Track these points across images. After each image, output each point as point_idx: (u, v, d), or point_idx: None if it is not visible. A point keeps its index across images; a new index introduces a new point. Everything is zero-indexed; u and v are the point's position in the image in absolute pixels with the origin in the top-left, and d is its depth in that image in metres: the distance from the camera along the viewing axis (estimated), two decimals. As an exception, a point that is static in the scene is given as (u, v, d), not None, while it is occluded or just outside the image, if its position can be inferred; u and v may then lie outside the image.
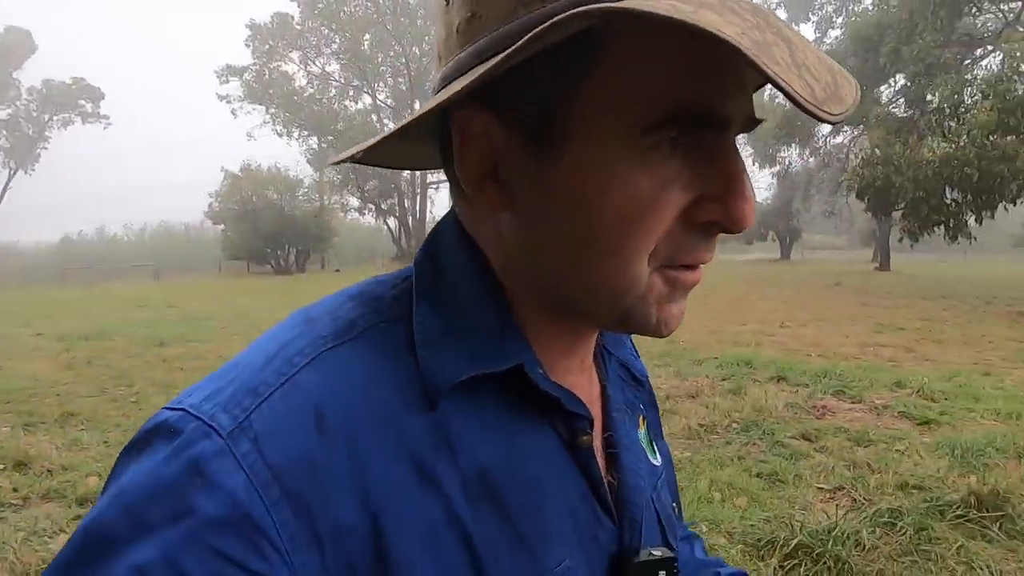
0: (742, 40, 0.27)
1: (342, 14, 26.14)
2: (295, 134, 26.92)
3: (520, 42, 0.30)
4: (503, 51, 0.32)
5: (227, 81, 25.94)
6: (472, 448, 0.38)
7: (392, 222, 29.63)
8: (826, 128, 20.27)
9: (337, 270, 30.64)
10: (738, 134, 0.38)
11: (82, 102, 36.20)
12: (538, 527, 0.39)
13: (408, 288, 0.42)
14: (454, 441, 0.37)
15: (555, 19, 0.29)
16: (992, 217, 10.08)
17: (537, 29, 0.30)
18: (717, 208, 0.36)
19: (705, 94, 0.34)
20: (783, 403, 4.40)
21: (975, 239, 10.52)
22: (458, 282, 0.41)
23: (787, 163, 26.80)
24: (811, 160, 25.59)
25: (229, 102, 25.84)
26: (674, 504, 0.56)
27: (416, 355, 0.38)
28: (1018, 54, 9.74)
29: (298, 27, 25.99)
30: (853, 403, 4.52)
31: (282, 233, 28.71)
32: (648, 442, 0.54)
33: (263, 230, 27.95)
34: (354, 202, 29.51)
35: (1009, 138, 9.17)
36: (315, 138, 26.55)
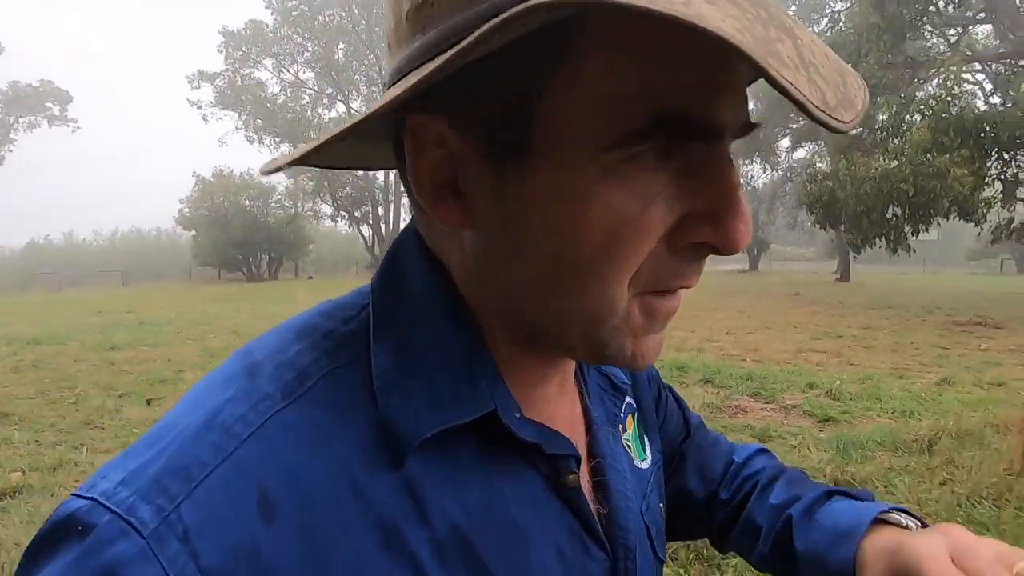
0: (743, 38, 0.23)
1: (316, 22, 26.26)
2: (267, 141, 26.85)
3: (463, 43, 0.26)
4: (451, 47, 0.27)
5: (198, 86, 25.85)
6: (444, 505, 0.34)
7: (366, 230, 29.62)
8: (786, 143, 20.91)
9: (310, 277, 30.50)
10: (732, 141, 0.33)
11: (49, 105, 35.58)
12: (526, 560, 0.36)
13: (365, 320, 0.37)
14: (424, 499, 0.33)
15: (507, 14, 0.24)
16: (927, 231, 10.57)
17: (484, 27, 0.25)
18: (708, 228, 0.32)
19: (693, 98, 0.29)
20: (701, 403, 4.65)
21: (914, 251, 11.00)
22: (421, 310, 0.36)
23: (750, 177, 27.52)
24: (774, 174, 26.32)
25: (200, 107, 25.73)
26: (661, 505, 0.52)
27: (376, 404, 0.34)
28: (952, 77, 10.33)
29: (272, 35, 26.02)
30: (766, 403, 4.79)
31: (254, 240, 28.53)
32: (637, 440, 0.51)
33: (235, 236, 27.76)
34: (327, 209, 29.45)
35: (943, 156, 9.67)
36: (287, 145, 26.49)
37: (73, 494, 0.29)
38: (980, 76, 14.32)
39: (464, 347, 0.36)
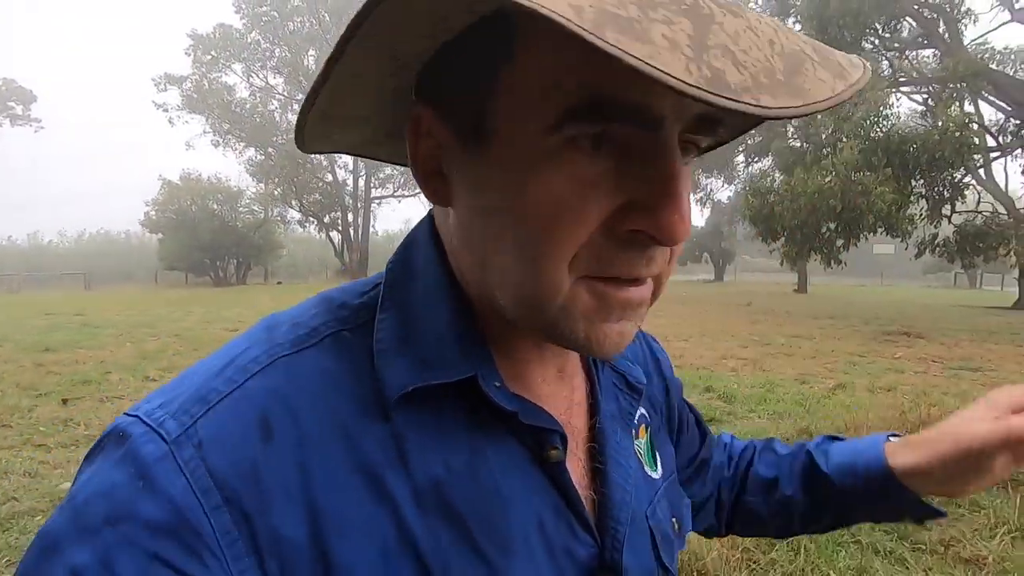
0: (583, 17, 0.24)
1: (286, 28, 26.29)
2: (233, 144, 26.72)
3: (331, 59, 0.31)
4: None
5: (165, 89, 25.64)
6: (426, 459, 0.37)
7: (336, 236, 29.59)
8: (742, 157, 21.48)
9: (279, 282, 30.27)
10: (690, 134, 0.33)
11: (12, 104, 34.88)
12: (499, 541, 0.38)
13: (377, 294, 0.41)
14: (408, 452, 0.36)
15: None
16: (856, 246, 11.05)
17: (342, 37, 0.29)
18: (644, 217, 0.32)
19: (623, 84, 0.30)
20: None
21: (845, 264, 11.47)
22: (424, 285, 0.41)
23: (709, 190, 28.17)
24: (731, 188, 27.01)
25: (166, 110, 25.53)
26: (673, 519, 0.52)
27: (375, 363, 0.38)
28: (878, 100, 10.86)
29: (240, 39, 25.97)
30: (663, 405, 5.05)
31: (222, 244, 28.30)
32: (649, 452, 0.51)
33: (202, 240, 27.51)
34: (295, 215, 29.38)
35: (869, 175, 10.16)
36: (253, 149, 26.42)
37: (124, 413, 0.36)
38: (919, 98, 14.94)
39: (457, 321, 0.40)
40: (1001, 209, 13.33)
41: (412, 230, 0.44)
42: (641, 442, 0.51)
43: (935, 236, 11.54)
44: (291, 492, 0.34)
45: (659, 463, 0.53)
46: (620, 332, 0.37)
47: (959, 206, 11.67)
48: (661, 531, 0.49)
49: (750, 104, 0.25)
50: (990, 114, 14.05)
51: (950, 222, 11.64)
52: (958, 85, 11.59)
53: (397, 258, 0.43)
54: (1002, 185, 16.17)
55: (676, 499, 0.55)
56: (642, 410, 0.53)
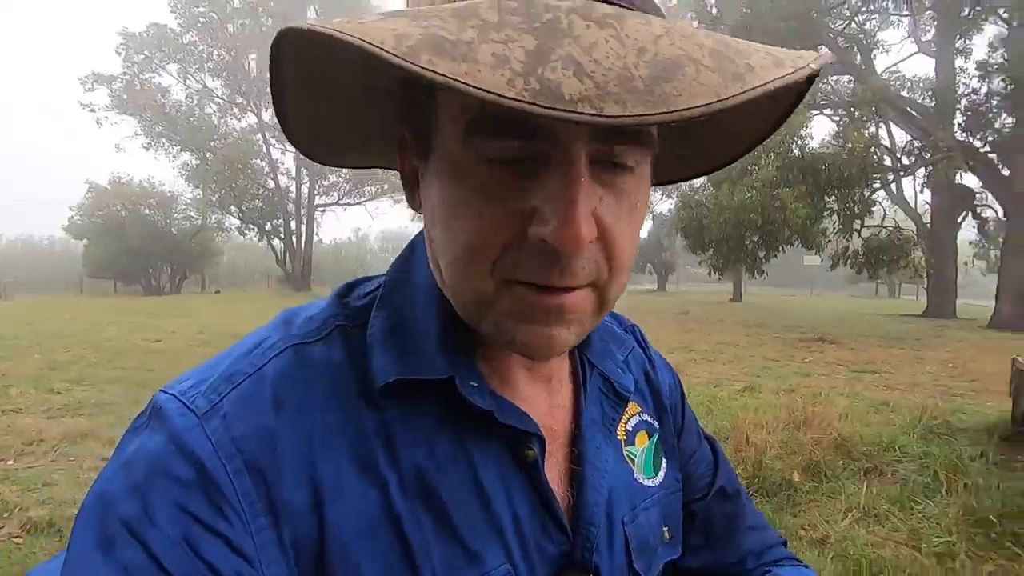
0: (400, 44, 0.27)
1: (227, 30, 25.52)
2: (166, 147, 25.63)
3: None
4: None
5: (92, 89, 24.35)
6: (411, 449, 0.41)
7: (278, 244, 28.77)
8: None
9: (217, 291, 29.12)
10: (603, 148, 0.34)
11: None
12: (476, 530, 0.41)
13: (375, 296, 0.46)
14: (396, 440, 0.40)
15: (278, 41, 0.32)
16: (776, 257, 11.70)
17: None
18: (543, 226, 0.34)
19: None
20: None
21: (767, 275, 12.10)
22: (417, 290, 0.45)
23: (651, 203, 28.78)
24: (672, 200, 27.93)
25: (93, 111, 24.24)
26: (665, 528, 0.53)
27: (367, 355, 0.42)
28: (799, 122, 11.57)
29: (176, 40, 25.01)
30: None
31: (153, 250, 26.98)
32: (649, 459, 0.53)
33: (130, 245, 26.13)
34: (234, 221, 28.39)
35: (786, 190, 10.78)
36: (188, 153, 25.41)
37: (160, 391, 0.41)
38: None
39: (444, 323, 0.43)
40: (910, 224, 14.33)
41: (416, 237, 0.48)
42: (637, 449, 0.52)
43: (847, 249, 12.34)
44: (298, 461, 0.38)
45: (662, 472, 0.54)
46: (550, 336, 0.37)
47: (868, 221, 12.55)
48: (640, 537, 0.50)
49: (585, 114, 0.25)
50: (902, 136, 15.19)
51: (860, 236, 12.48)
52: (867, 109, 12.46)
53: (398, 262, 0.48)
54: (912, 202, 17.46)
55: (672, 509, 0.55)
56: (646, 417, 0.54)
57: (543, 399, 0.48)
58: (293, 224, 28.78)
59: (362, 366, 0.42)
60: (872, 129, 13.22)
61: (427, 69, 0.26)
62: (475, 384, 0.42)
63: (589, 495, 0.46)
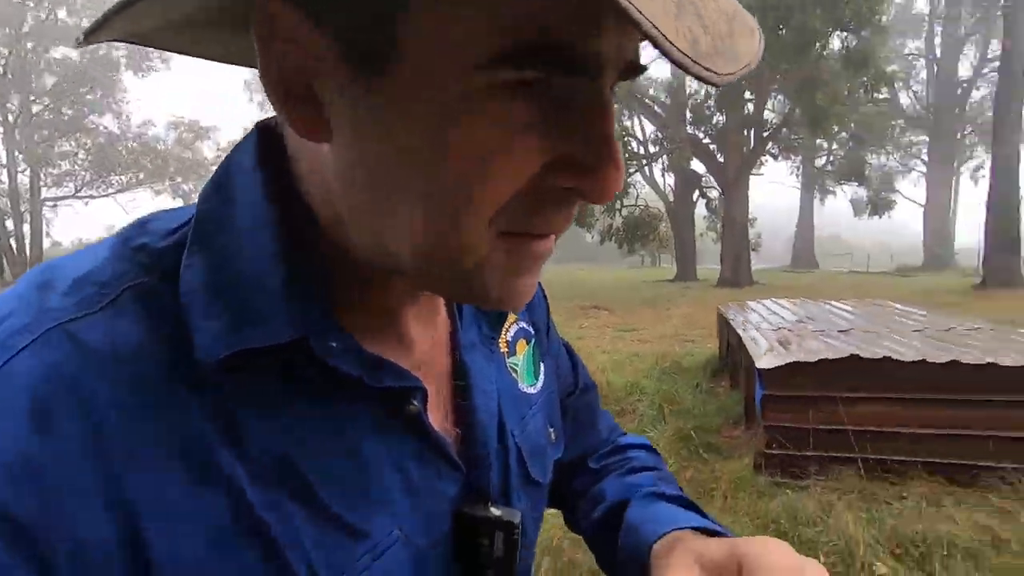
0: None
1: None
2: None
3: None
4: None
5: None
6: (262, 429, 0.32)
7: (-8, 247, 22.87)
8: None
9: None
10: (614, 84, 0.30)
11: None
12: (356, 503, 0.34)
13: (187, 233, 0.33)
14: (241, 425, 0.31)
15: None
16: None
17: None
18: (580, 173, 0.29)
19: (572, 24, 0.26)
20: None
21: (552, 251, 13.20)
22: (245, 224, 0.33)
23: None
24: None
25: None
26: (550, 429, 0.51)
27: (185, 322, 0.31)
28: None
29: None
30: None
31: None
32: (530, 366, 0.50)
33: None
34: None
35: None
36: None
37: None
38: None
39: (287, 268, 0.32)
40: (659, 204, 16.91)
41: (232, 152, 0.36)
42: (519, 358, 0.50)
43: (611, 226, 14.13)
44: (89, 486, 0.27)
45: (541, 376, 0.52)
46: (528, 285, 0.34)
47: (627, 201, 14.52)
48: (531, 444, 0.48)
49: (712, 72, 0.23)
50: (650, 129, 17.73)
51: (620, 214, 14.38)
52: (621, 105, 14.29)
53: (211, 188, 0.35)
54: (660, 184, 20.62)
55: (553, 409, 0.54)
56: (523, 324, 0.52)
57: (423, 338, 0.42)
58: (10, 223, 23.15)
59: (176, 337, 0.31)
60: (627, 122, 15.22)
61: (645, 17, 0.21)
62: (335, 344, 0.33)
63: (479, 420, 0.43)
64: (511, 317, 0.50)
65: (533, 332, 0.53)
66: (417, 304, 0.41)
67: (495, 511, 0.41)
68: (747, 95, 14.48)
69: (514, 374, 0.49)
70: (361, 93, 0.29)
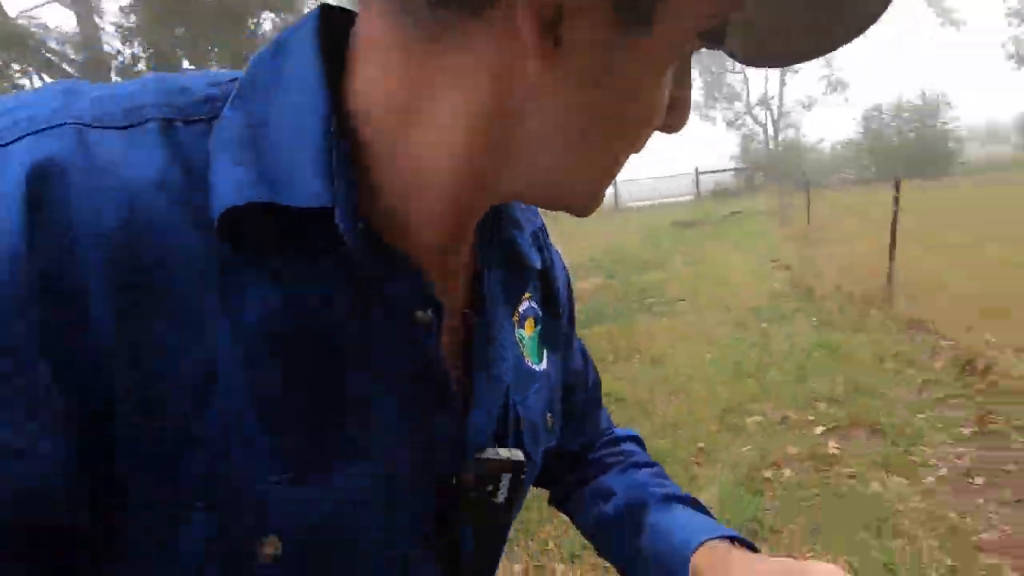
0: None
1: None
2: None
3: None
4: None
5: None
6: (265, 295, 0.30)
7: None
8: None
9: None
10: None
11: None
12: (352, 391, 0.33)
13: (232, 90, 0.32)
14: (240, 282, 0.30)
15: None
16: None
17: None
18: (675, 114, 0.36)
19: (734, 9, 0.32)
20: None
21: None
22: (295, 97, 0.31)
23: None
24: None
25: None
26: (548, 414, 0.50)
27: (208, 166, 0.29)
28: None
29: None
30: None
31: None
32: (535, 346, 0.49)
33: None
34: None
35: None
36: None
37: None
38: None
39: (326, 142, 0.30)
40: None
41: (293, 29, 0.34)
42: (525, 334, 0.48)
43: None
44: (62, 287, 0.25)
45: (544, 360, 0.50)
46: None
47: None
48: (530, 420, 0.46)
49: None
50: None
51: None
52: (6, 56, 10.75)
53: (267, 55, 0.33)
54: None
55: (553, 397, 0.51)
56: (533, 304, 0.49)
57: (447, 255, 0.39)
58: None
59: (195, 177, 0.29)
60: (23, 80, 11.59)
61: None
62: (361, 225, 0.32)
63: (493, 368, 0.41)
64: (527, 293, 0.49)
65: (541, 316, 0.51)
66: (445, 216, 0.36)
67: (502, 452, 0.40)
68: (186, 63, 13.35)
69: (522, 347, 0.48)
70: (614, 43, 0.30)
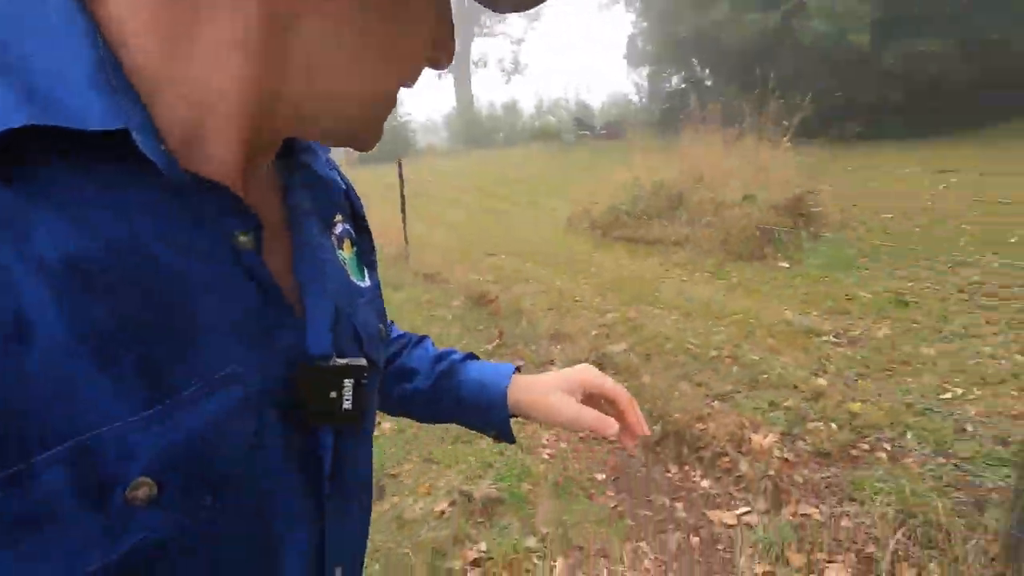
0: None
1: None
2: None
3: None
4: None
5: None
6: (59, 231, 0.28)
7: None
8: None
9: None
10: None
11: None
12: (182, 326, 0.31)
13: None
14: (30, 222, 0.27)
15: None
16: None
17: None
18: (442, 47, 0.40)
19: None
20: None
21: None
22: (51, 19, 0.29)
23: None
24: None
25: None
26: (381, 325, 0.51)
27: None
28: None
29: None
30: None
31: None
32: (356, 264, 0.50)
33: None
34: None
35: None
36: None
37: None
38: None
39: (97, 57, 0.29)
40: None
41: None
42: (345, 254, 0.49)
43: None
44: None
45: (367, 278, 0.51)
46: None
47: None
48: (367, 330, 0.47)
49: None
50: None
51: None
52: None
53: None
54: None
55: (381, 309, 0.53)
56: (346, 226, 0.50)
57: (257, 179, 0.40)
58: None
59: None
60: None
61: None
62: (163, 147, 0.30)
63: (315, 282, 0.41)
64: (338, 216, 0.49)
65: (354, 235, 0.52)
66: (254, 163, 0.38)
67: (340, 360, 0.40)
68: None
69: (344, 265, 0.48)
70: None
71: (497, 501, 2.26)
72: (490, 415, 0.66)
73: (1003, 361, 3.11)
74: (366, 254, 0.53)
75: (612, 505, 2.26)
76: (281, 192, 0.43)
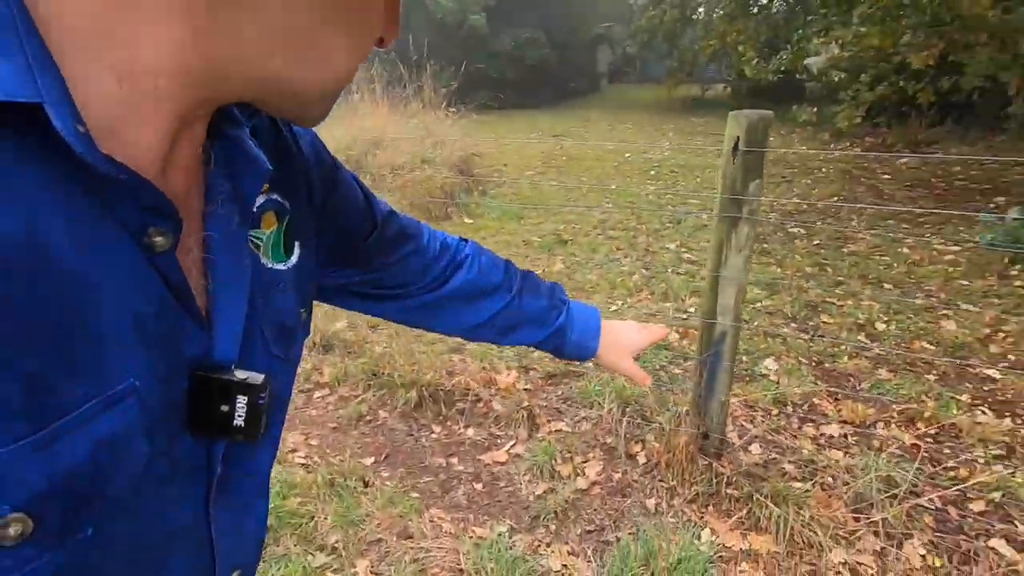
0: None
1: None
2: None
3: None
4: None
5: None
6: None
7: None
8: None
9: None
10: None
11: None
12: (78, 336, 0.28)
13: None
14: None
15: None
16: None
17: None
18: (391, 26, 0.40)
19: None
20: None
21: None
22: None
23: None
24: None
25: None
26: (302, 310, 0.49)
27: None
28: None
29: None
30: None
31: None
32: (277, 242, 0.46)
33: None
34: None
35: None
36: None
37: None
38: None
39: (8, 16, 0.25)
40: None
41: None
42: (262, 232, 0.45)
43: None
44: None
45: (295, 255, 0.48)
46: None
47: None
48: (276, 323, 0.45)
49: None
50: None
51: None
52: None
53: None
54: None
55: (309, 291, 0.52)
56: (275, 196, 0.46)
57: (182, 177, 0.36)
58: None
59: None
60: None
61: None
62: (82, 129, 0.26)
63: (227, 283, 0.38)
64: (264, 186, 0.44)
65: (289, 208, 0.48)
66: (179, 138, 0.33)
67: (238, 374, 0.38)
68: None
69: (255, 248, 0.44)
70: None
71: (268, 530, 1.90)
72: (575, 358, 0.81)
73: (634, 276, 4.12)
74: (300, 224, 0.49)
75: (392, 484, 2.16)
76: (201, 170, 0.38)
